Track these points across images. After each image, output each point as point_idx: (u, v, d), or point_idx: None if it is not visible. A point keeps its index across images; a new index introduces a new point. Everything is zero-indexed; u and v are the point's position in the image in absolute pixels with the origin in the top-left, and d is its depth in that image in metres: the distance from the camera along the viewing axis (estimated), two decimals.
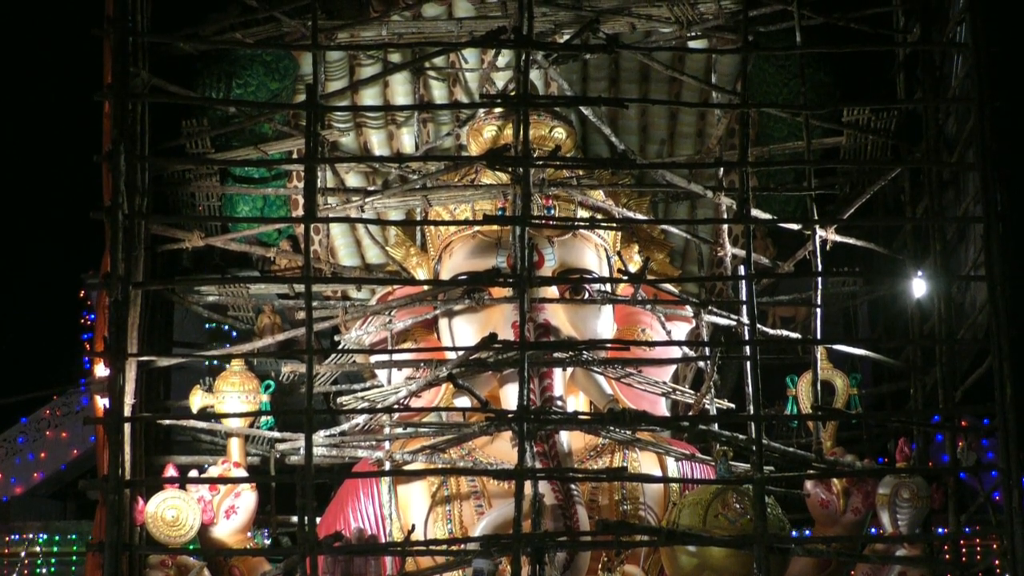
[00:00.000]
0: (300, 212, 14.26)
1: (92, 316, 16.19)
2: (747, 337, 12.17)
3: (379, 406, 12.68)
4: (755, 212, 12.56)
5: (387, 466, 12.51)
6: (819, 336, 12.97)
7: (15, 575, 15.54)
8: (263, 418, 12.93)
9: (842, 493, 12.37)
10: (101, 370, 12.43)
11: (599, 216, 13.35)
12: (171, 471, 12.60)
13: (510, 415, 11.75)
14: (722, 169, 14.01)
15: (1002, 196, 11.98)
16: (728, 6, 13.82)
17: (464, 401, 12.33)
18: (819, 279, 12.95)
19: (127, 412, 11.78)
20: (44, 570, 15.67)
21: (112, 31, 12.24)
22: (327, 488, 13.81)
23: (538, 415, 11.85)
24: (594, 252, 13.32)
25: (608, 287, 13.05)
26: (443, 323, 13.13)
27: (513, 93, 12.63)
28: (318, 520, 12.27)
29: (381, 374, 13.32)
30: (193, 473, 12.72)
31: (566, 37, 13.83)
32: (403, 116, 15.01)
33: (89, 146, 12.52)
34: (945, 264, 13.26)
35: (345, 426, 12.76)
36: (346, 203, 13.82)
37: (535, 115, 13.14)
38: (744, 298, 12.25)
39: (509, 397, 12.33)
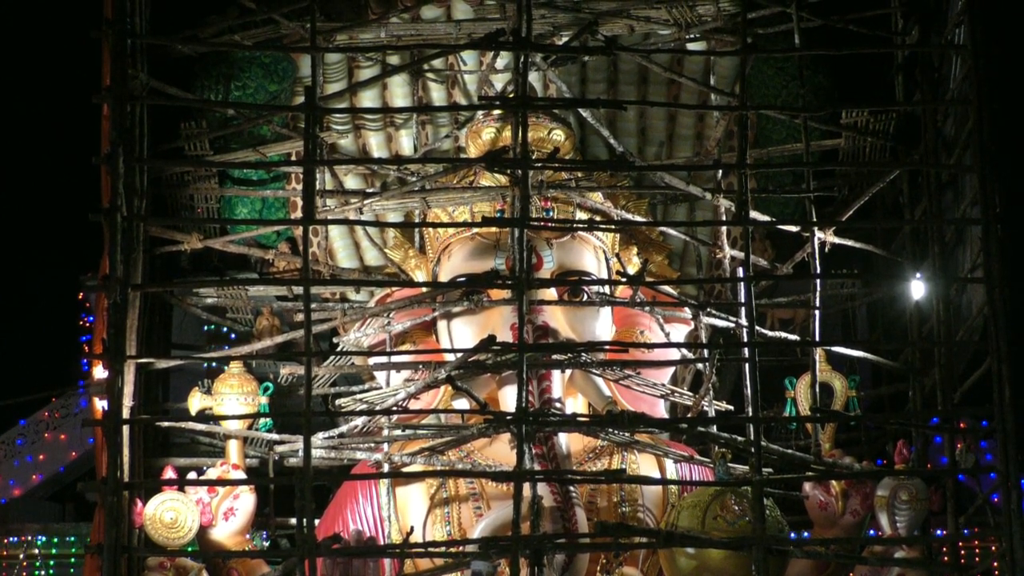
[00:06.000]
0: (299, 214, 14.25)
1: (91, 318, 16.13)
2: (746, 339, 12.17)
3: (378, 408, 12.69)
4: (754, 214, 12.58)
5: (386, 468, 12.52)
6: (818, 338, 12.96)
7: None
8: (262, 420, 12.94)
9: (841, 495, 12.38)
10: (100, 372, 12.42)
11: (598, 218, 13.34)
12: (170, 473, 12.62)
13: (509, 417, 11.74)
14: (721, 171, 14.00)
15: (1000, 198, 11.98)
16: (727, 8, 13.82)
17: (463, 403, 12.33)
18: (818, 281, 12.94)
19: (126, 414, 11.78)
20: (43, 572, 15.66)
21: (111, 33, 12.23)
22: (326, 490, 13.81)
23: (537, 417, 11.84)
24: (593, 254, 13.32)
25: (607, 289, 13.05)
26: (442, 325, 13.13)
27: (512, 95, 12.63)
28: (317, 522, 12.27)
29: (380, 376, 13.33)
30: (192, 475, 12.72)
31: (565, 39, 13.82)
32: (402, 118, 14.99)
33: (88, 148, 12.54)
34: (944, 266, 13.25)
35: (344, 428, 12.77)
36: (345, 205, 13.82)
37: (534, 117, 13.13)
38: (743, 300, 12.24)
39: (508, 399, 12.33)
